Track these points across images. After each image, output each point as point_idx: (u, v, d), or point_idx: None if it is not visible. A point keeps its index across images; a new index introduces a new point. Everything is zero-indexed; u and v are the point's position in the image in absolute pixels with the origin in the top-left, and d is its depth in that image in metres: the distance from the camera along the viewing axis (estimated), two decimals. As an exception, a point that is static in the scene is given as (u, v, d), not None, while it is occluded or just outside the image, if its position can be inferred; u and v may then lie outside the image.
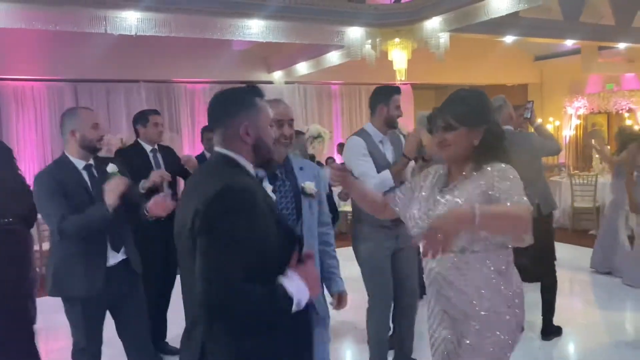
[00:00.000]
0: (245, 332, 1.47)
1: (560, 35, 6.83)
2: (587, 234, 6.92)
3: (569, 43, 7.38)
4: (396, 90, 3.06)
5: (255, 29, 5.23)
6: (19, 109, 7.37)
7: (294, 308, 1.46)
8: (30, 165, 7.20)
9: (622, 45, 7.53)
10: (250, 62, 8.09)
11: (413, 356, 3.29)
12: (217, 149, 1.60)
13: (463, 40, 6.74)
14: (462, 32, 5.83)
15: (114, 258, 2.64)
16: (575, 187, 7.13)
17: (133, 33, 4.61)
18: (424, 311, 2.09)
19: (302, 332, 1.60)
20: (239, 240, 1.41)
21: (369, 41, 5.87)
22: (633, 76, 9.27)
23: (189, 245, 1.47)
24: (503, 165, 1.79)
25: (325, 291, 2.43)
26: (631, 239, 5.17)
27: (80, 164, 2.61)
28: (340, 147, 8.12)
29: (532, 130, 4.06)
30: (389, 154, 3.07)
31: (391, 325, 3.31)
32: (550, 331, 3.95)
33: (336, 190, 4.33)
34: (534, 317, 4.01)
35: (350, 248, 3.18)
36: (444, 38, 5.77)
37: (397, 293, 3.13)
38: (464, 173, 1.84)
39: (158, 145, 3.73)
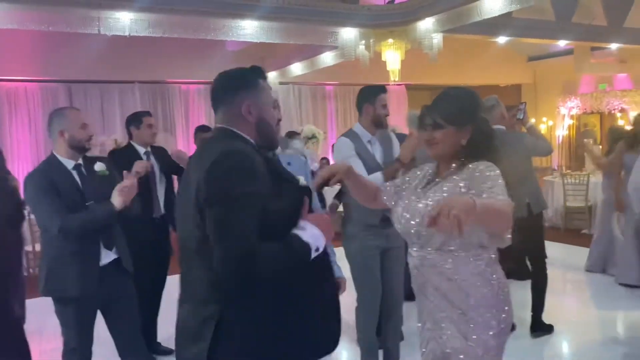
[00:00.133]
0: (269, 290, 1.46)
1: (552, 35, 6.86)
2: (580, 233, 6.96)
3: (562, 43, 7.42)
4: (382, 89, 3.04)
5: (248, 29, 5.23)
6: (12, 110, 7.36)
7: (313, 254, 1.49)
8: (23, 166, 7.19)
9: (614, 46, 7.58)
10: (244, 62, 7.76)
11: (402, 357, 3.30)
12: (219, 125, 1.60)
13: (457, 41, 6.77)
14: (455, 33, 5.85)
15: (107, 257, 2.65)
16: (568, 187, 7.17)
17: (126, 34, 4.61)
18: (414, 312, 2.10)
19: (324, 278, 1.61)
20: (246, 199, 1.41)
21: (363, 42, 5.89)
22: (625, 76, 9.33)
23: (194, 220, 1.46)
24: (486, 164, 1.77)
25: None
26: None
27: (69, 163, 2.62)
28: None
29: (525, 130, 4.09)
30: (378, 154, 3.06)
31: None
32: (540, 328, 3.98)
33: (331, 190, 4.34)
34: (525, 315, 4.05)
35: (342, 247, 3.20)
36: (437, 39, 5.79)
37: (384, 292, 3.14)
38: (451, 169, 1.84)
39: (151, 146, 3.73)
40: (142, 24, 4.66)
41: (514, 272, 4.86)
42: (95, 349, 2.75)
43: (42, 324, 4.12)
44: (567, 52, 8.83)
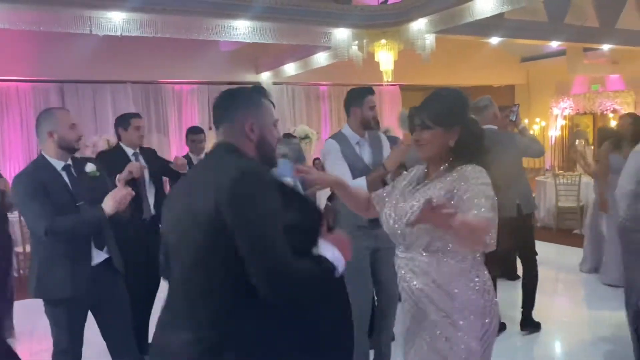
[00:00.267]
0: (299, 307, 1.48)
1: (545, 36, 6.89)
2: (572, 233, 6.99)
3: (554, 44, 7.45)
4: (369, 91, 3.05)
5: (241, 29, 5.22)
6: (4, 110, 7.31)
7: (337, 273, 1.53)
8: (15, 166, 7.15)
9: (606, 47, 7.61)
10: (238, 62, 8.08)
11: (392, 357, 3.31)
12: (220, 140, 1.61)
13: (450, 42, 6.79)
14: (448, 34, 5.87)
15: (98, 257, 2.64)
16: (560, 187, 7.20)
17: (118, 34, 4.58)
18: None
19: (341, 297, 1.64)
20: (275, 216, 1.43)
21: (356, 42, 5.89)
22: (617, 77, 9.38)
23: (202, 238, 1.45)
24: (473, 169, 1.76)
25: None
26: None
27: (58, 164, 2.61)
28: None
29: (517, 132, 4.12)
30: (367, 155, 3.06)
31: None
32: (529, 324, 4.04)
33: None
34: (516, 314, 4.07)
35: None
36: (429, 39, 5.80)
37: (379, 292, 3.14)
38: (440, 171, 1.84)
39: (140, 147, 3.72)
40: (134, 23, 4.63)
41: (504, 272, 4.90)
42: (83, 349, 2.73)
43: (33, 325, 4.11)
44: (560, 53, 8.86)
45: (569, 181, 7.19)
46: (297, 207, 1.53)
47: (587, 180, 6.95)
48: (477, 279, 1.79)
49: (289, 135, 5.56)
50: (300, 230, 1.50)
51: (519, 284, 4.91)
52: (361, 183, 2.85)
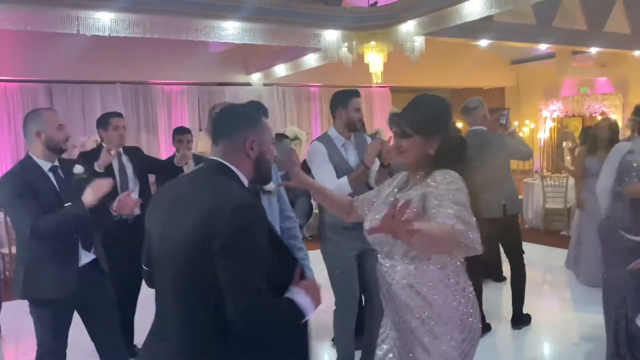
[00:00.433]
0: (266, 347, 1.50)
1: (533, 39, 6.94)
2: (559, 235, 7.04)
3: (543, 47, 7.52)
4: (354, 93, 3.06)
5: (230, 30, 5.21)
6: (-9, 110, 7.26)
7: (303, 320, 1.54)
8: (2, 167, 7.10)
9: (594, 50, 7.68)
10: (228, 63, 8.07)
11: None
12: (214, 157, 1.61)
13: (441, 44, 6.82)
14: (437, 36, 5.89)
15: (86, 257, 2.63)
16: (547, 189, 7.25)
17: (106, 34, 4.56)
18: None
19: (302, 346, 1.64)
20: (260, 256, 1.45)
21: (346, 44, 5.90)
22: (606, 80, 9.46)
23: (186, 262, 1.45)
24: (445, 175, 1.72)
25: None
26: None
27: (45, 165, 2.60)
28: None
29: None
30: (353, 158, 3.07)
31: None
32: (520, 320, 4.14)
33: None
34: (501, 314, 4.10)
35: (318, 251, 3.20)
36: (418, 42, 5.82)
37: (365, 294, 3.15)
38: (418, 178, 1.83)
39: (124, 147, 3.70)
40: (122, 24, 4.61)
41: (490, 274, 4.94)
42: (71, 351, 2.73)
43: (19, 326, 4.07)
44: (550, 55, 8.93)
45: (556, 183, 7.24)
46: (276, 248, 1.56)
47: (573, 182, 7.02)
48: (457, 286, 1.77)
49: (281, 135, 5.55)
50: (275, 272, 1.51)
51: (504, 285, 4.97)
52: (343, 182, 2.86)
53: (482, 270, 4.18)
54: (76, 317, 2.72)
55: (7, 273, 5.70)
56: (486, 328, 3.99)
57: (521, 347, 4.00)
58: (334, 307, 3.19)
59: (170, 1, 4.64)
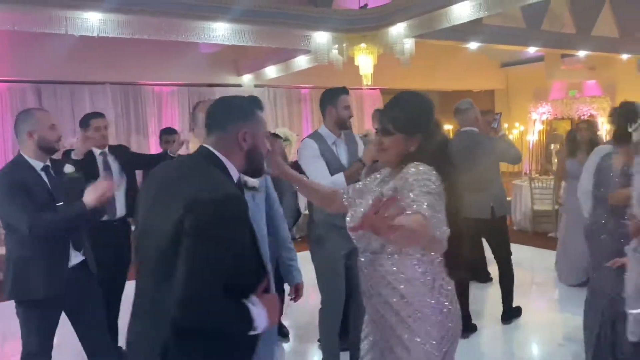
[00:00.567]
0: (207, 342, 1.49)
1: (522, 42, 7.01)
2: (547, 236, 7.09)
3: (532, 50, 7.58)
4: (343, 91, 3.08)
5: (220, 31, 5.21)
6: (-21, 111, 7.19)
7: (251, 332, 1.52)
8: (-10, 168, 7.02)
9: (582, 53, 7.75)
10: (219, 64, 8.06)
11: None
12: (206, 146, 1.61)
13: (432, 47, 6.86)
14: (427, 39, 5.93)
15: (75, 258, 2.63)
16: (535, 191, 7.30)
17: (95, 34, 4.55)
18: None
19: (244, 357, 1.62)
20: (226, 250, 1.43)
21: (336, 46, 5.92)
22: (594, 83, 9.56)
23: (165, 244, 1.45)
24: (416, 166, 1.70)
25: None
26: None
27: (37, 165, 2.60)
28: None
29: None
30: (344, 155, 3.09)
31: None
32: (511, 315, 4.22)
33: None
34: (486, 315, 4.13)
35: (309, 252, 3.21)
36: (408, 44, 5.85)
37: (353, 294, 3.16)
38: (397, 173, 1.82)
39: (110, 146, 3.69)
40: (111, 24, 4.60)
41: (476, 274, 4.98)
42: (58, 353, 2.72)
43: (5, 328, 4.04)
44: (539, 58, 9.01)
45: (544, 185, 7.29)
46: (253, 253, 1.55)
47: (562, 183, 7.08)
48: (434, 284, 1.76)
49: (274, 135, 5.55)
50: (244, 277, 1.51)
51: (490, 286, 5.01)
52: (339, 179, 2.87)
53: (468, 270, 4.22)
54: (63, 318, 2.71)
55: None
56: (472, 329, 4.03)
57: (507, 347, 4.03)
58: (320, 307, 3.20)
59: (160, 2, 4.64)
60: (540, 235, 7.25)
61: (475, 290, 4.20)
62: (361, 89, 8.90)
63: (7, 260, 2.63)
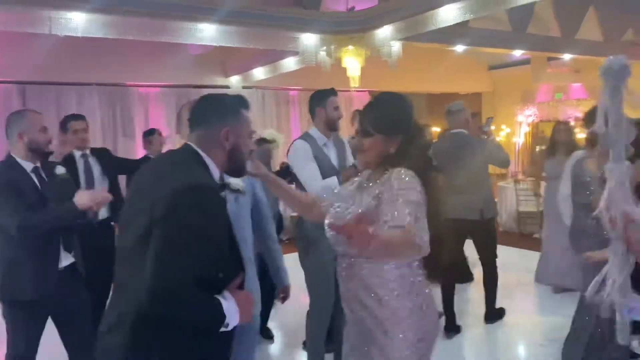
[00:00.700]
0: (176, 332, 1.47)
1: (508, 45, 7.06)
2: (532, 237, 7.15)
3: (517, 53, 7.64)
4: (332, 92, 3.10)
5: (207, 32, 5.19)
6: (-38, 111, 7.09)
7: (222, 328, 1.50)
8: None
9: (567, 56, 7.83)
10: (206, 66, 8.02)
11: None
12: (189, 143, 1.61)
13: (419, 49, 6.89)
14: (413, 41, 5.96)
15: (66, 259, 2.63)
16: (520, 192, 7.36)
17: (79, 34, 4.51)
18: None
19: (218, 353, 1.61)
20: (196, 240, 1.41)
21: (324, 48, 5.93)
22: (579, 86, 9.65)
23: (139, 234, 1.45)
24: (399, 172, 1.69)
25: None
26: None
27: (28, 166, 2.60)
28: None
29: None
30: (333, 157, 3.11)
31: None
32: (494, 316, 4.27)
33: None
34: (469, 315, 4.19)
35: (296, 254, 3.19)
36: (395, 46, 5.88)
37: (338, 297, 3.15)
38: (378, 176, 1.82)
39: (91, 149, 3.67)
40: (96, 25, 4.56)
41: (457, 277, 5.02)
42: (40, 357, 2.68)
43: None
44: (526, 61, 9.09)
45: (529, 186, 7.35)
46: (225, 247, 1.54)
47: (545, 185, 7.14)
48: (412, 287, 1.76)
49: (263, 140, 5.54)
50: (216, 270, 1.50)
51: (470, 286, 5.07)
52: (333, 182, 2.86)
53: (453, 272, 4.25)
54: (49, 324, 2.68)
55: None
56: (456, 329, 4.06)
57: (490, 347, 4.06)
58: (307, 310, 3.19)
59: (145, 2, 4.61)
60: (525, 236, 7.31)
61: (458, 290, 4.24)
62: (349, 91, 8.91)
63: None
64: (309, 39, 5.77)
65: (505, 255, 4.38)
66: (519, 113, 10.28)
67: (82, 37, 4.59)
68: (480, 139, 4.17)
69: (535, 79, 9.07)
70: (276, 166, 7.21)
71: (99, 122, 7.67)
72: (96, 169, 3.60)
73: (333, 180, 2.91)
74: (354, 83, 6.28)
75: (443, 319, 3.96)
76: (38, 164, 2.63)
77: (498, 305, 4.32)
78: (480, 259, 4.26)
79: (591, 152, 2.96)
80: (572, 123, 6.85)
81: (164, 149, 4.12)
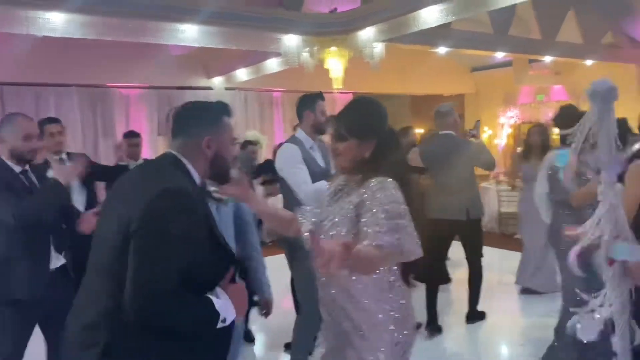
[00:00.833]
0: (168, 337, 1.46)
1: (490, 47, 7.12)
2: (513, 238, 7.22)
3: (499, 55, 7.71)
4: (320, 96, 3.14)
5: (189, 33, 5.15)
6: (-62, 113, 6.94)
7: (219, 324, 1.49)
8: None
9: (548, 59, 7.92)
10: (188, 67, 7.96)
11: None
12: (171, 151, 1.61)
13: (402, 51, 6.91)
14: (396, 43, 5.98)
15: (57, 260, 2.61)
16: (501, 193, 7.43)
17: (58, 35, 4.44)
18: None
19: (219, 349, 1.60)
20: (176, 244, 1.40)
21: (307, 49, 5.92)
22: (561, 88, 9.77)
23: (113, 242, 1.44)
24: (380, 183, 1.67)
25: None
26: None
27: (16, 168, 2.58)
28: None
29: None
30: (319, 160, 3.13)
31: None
32: (475, 316, 4.34)
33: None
34: (449, 316, 4.23)
35: (279, 256, 3.17)
36: (378, 48, 5.89)
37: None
38: (354, 183, 1.81)
39: (68, 153, 3.61)
40: (75, 25, 4.49)
41: (438, 278, 5.05)
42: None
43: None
44: (508, 63, 9.18)
45: (510, 187, 7.42)
46: (212, 246, 1.54)
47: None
48: (391, 291, 1.75)
49: (248, 143, 5.52)
50: (203, 270, 1.49)
51: (451, 287, 5.11)
52: (322, 186, 2.84)
53: (436, 273, 4.27)
54: (35, 331, 2.65)
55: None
56: (437, 329, 4.08)
57: (471, 347, 4.10)
58: (288, 311, 3.17)
59: (125, 3, 4.55)
60: (507, 237, 7.38)
61: (439, 290, 4.27)
62: (333, 92, 8.91)
63: None
64: (291, 40, 5.75)
65: (486, 255, 4.42)
66: (501, 115, 10.38)
67: (61, 38, 4.52)
68: (466, 140, 4.23)
69: (518, 80, 9.16)
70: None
71: (79, 123, 7.56)
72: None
73: (323, 184, 2.89)
74: (337, 84, 6.28)
75: (422, 327, 4.00)
76: (27, 168, 2.61)
77: (479, 306, 4.35)
78: (467, 258, 4.31)
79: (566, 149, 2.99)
80: (548, 124, 6.92)
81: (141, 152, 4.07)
